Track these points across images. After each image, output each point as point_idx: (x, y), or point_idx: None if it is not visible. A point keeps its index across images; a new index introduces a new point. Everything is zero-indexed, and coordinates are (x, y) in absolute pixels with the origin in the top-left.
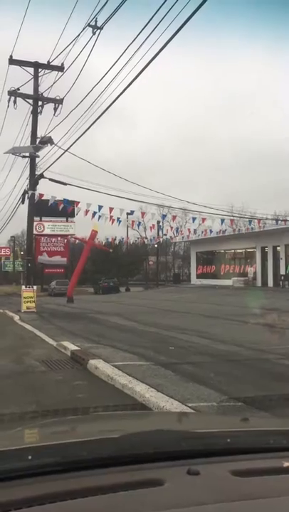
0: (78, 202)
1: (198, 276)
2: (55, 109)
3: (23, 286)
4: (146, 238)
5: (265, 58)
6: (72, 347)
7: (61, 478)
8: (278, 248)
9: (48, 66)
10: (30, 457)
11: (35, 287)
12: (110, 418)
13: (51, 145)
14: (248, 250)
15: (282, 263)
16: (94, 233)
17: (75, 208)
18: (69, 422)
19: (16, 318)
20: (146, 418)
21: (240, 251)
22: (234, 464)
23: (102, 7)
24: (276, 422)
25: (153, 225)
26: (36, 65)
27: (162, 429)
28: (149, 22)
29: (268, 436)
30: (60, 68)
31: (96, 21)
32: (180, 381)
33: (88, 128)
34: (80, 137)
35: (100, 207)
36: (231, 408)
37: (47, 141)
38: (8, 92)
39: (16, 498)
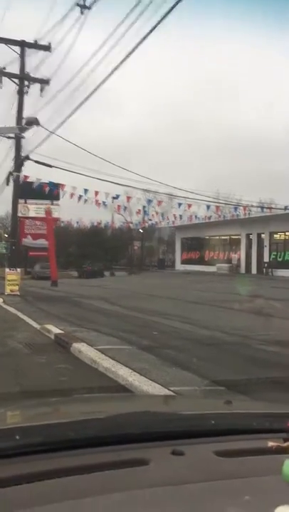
0: (64, 185)
1: (183, 262)
2: (42, 89)
3: (7, 269)
4: (131, 223)
5: (253, 42)
6: (55, 330)
7: (48, 458)
8: (263, 235)
9: (35, 45)
10: (17, 437)
11: (19, 270)
12: (94, 400)
13: (37, 126)
14: (233, 237)
15: (266, 250)
16: (48, 209)
17: (61, 191)
18: (53, 404)
19: (0, 300)
20: (130, 400)
21: (225, 238)
22: (218, 444)
23: None
24: (258, 405)
25: (139, 210)
26: (23, 44)
27: (148, 411)
28: (137, 4)
29: (251, 418)
30: (47, 48)
31: (84, 0)
32: (163, 365)
33: (75, 110)
34: (66, 119)
35: (86, 190)
36: (213, 392)
37: (33, 122)
38: None
39: (4, 476)
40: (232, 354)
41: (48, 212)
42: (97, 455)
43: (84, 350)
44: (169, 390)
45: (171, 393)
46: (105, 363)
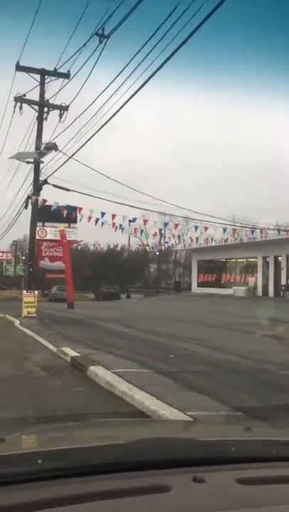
0: (81, 208)
1: (199, 285)
2: (61, 115)
3: (24, 291)
4: (147, 245)
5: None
6: (72, 353)
7: (69, 483)
8: (280, 258)
9: (55, 73)
10: (40, 461)
11: (36, 292)
12: (112, 425)
13: (56, 151)
14: (250, 260)
15: (283, 273)
16: (63, 232)
17: (78, 214)
18: (72, 428)
19: (17, 323)
20: (148, 425)
21: (242, 260)
22: (239, 472)
23: (110, 16)
24: (278, 432)
25: (155, 233)
26: (43, 72)
27: (168, 437)
28: (153, 36)
29: (271, 445)
30: (67, 75)
31: (103, 30)
32: (179, 389)
33: (92, 136)
34: (84, 144)
35: (103, 213)
36: (231, 417)
37: (51, 147)
38: (15, 98)
39: (26, 501)
40: (249, 378)
41: (63, 235)
42: (118, 481)
43: (100, 373)
44: (186, 414)
45: (189, 418)
46: (122, 387)
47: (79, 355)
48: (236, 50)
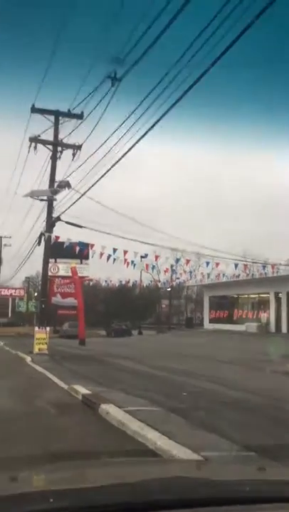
0: (93, 244)
1: (211, 321)
2: (74, 154)
3: (36, 328)
4: (159, 281)
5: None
6: (83, 391)
7: None
8: None
9: (68, 114)
10: (51, 500)
11: (47, 329)
12: (123, 464)
13: (68, 189)
14: (262, 295)
15: None
16: (74, 269)
17: (90, 251)
18: (83, 467)
19: (28, 359)
20: (160, 465)
21: (254, 296)
22: None
23: (122, 60)
24: None
25: (167, 269)
26: (57, 114)
27: (180, 476)
28: (162, 79)
29: (285, 486)
30: (80, 116)
31: (115, 74)
32: (192, 429)
33: (104, 174)
34: (96, 182)
35: (115, 250)
36: (244, 457)
37: (64, 185)
38: (30, 138)
39: None
40: (262, 417)
41: (74, 271)
42: None
43: (112, 411)
44: (198, 454)
45: (202, 458)
46: (133, 426)
47: (90, 392)
48: (248, 89)
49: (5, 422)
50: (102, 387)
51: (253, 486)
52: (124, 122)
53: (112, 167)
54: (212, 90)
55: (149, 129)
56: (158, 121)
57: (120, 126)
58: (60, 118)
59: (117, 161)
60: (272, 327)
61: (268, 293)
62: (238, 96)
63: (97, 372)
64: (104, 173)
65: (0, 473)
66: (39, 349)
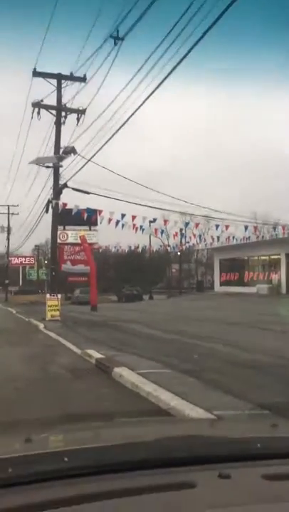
0: (101, 210)
1: (222, 284)
2: (78, 119)
3: (48, 295)
4: (169, 246)
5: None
6: (96, 355)
7: (96, 480)
8: None
9: (71, 77)
10: (66, 459)
11: (59, 296)
12: (138, 424)
13: (74, 155)
14: (273, 257)
15: None
16: (83, 237)
17: (98, 217)
18: (98, 428)
19: (41, 326)
20: (174, 424)
21: (265, 258)
22: (265, 468)
23: (124, 18)
24: None
25: (176, 233)
26: (59, 77)
27: (194, 435)
28: (166, 36)
29: None
30: (83, 79)
31: (118, 32)
32: (205, 389)
33: (110, 138)
34: (102, 147)
35: (123, 215)
36: (258, 416)
37: (70, 151)
38: (32, 103)
39: (53, 498)
40: (275, 377)
41: (83, 239)
42: (145, 478)
43: (125, 374)
44: (212, 414)
45: (215, 417)
46: (147, 388)
47: (103, 356)
48: (256, 40)
49: (21, 387)
50: (115, 351)
51: (265, 442)
52: (129, 83)
53: (118, 130)
54: (219, 40)
55: (156, 88)
56: (165, 78)
57: (125, 87)
58: (63, 82)
59: (124, 123)
60: (284, 288)
61: (279, 254)
62: (252, 45)
63: (110, 337)
64: (111, 137)
65: (15, 435)
66: (51, 316)
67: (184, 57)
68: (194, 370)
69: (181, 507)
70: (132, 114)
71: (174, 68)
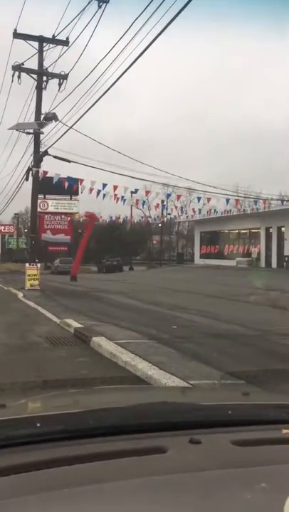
0: (82, 180)
1: (202, 256)
2: (60, 84)
3: (27, 264)
4: (150, 217)
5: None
6: (75, 324)
7: (68, 445)
8: (283, 229)
9: (53, 40)
10: (38, 424)
11: (38, 265)
12: (114, 391)
13: (56, 121)
14: (253, 231)
15: (286, 244)
16: (93, 216)
17: (79, 186)
18: (73, 395)
19: (20, 295)
20: (149, 391)
21: (245, 231)
22: (235, 434)
23: None
24: (275, 397)
25: (157, 204)
26: (41, 39)
27: (166, 401)
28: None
29: (268, 409)
30: (65, 42)
31: None
32: (182, 359)
33: (92, 105)
34: (84, 114)
35: (104, 185)
36: (232, 385)
37: (51, 117)
38: (13, 66)
39: (25, 461)
40: (251, 347)
41: (93, 218)
42: (117, 443)
43: (103, 344)
44: (188, 383)
45: (190, 386)
46: (125, 357)
47: (82, 326)
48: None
49: None
50: (94, 320)
51: (235, 409)
52: (113, 47)
53: (101, 96)
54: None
55: (141, 53)
56: (150, 44)
57: (109, 52)
58: (45, 44)
59: (107, 90)
60: (263, 262)
61: (259, 228)
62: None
63: (89, 307)
64: (94, 103)
65: None
66: (31, 285)
67: (171, 21)
68: (172, 340)
69: (152, 471)
70: (116, 80)
71: (161, 32)
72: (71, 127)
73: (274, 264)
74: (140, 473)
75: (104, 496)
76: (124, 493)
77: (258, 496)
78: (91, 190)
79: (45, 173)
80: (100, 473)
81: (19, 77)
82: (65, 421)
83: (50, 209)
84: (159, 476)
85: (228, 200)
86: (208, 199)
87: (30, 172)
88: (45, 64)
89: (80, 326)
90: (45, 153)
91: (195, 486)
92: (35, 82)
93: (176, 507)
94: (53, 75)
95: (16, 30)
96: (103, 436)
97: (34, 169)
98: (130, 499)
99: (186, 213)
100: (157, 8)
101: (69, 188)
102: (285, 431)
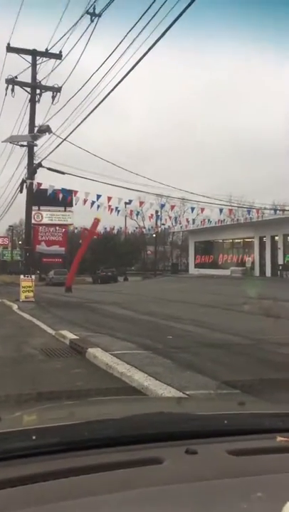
0: (77, 191)
1: (197, 266)
2: (53, 97)
3: (22, 276)
4: (144, 228)
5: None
6: (70, 336)
7: (63, 457)
8: (276, 238)
9: (46, 54)
10: (34, 437)
11: (33, 276)
12: (109, 402)
13: (49, 134)
14: (246, 240)
15: (280, 253)
16: (96, 222)
17: (74, 198)
18: (68, 407)
19: (15, 307)
20: (145, 402)
21: (239, 241)
22: (231, 444)
23: None
24: (271, 406)
25: (151, 215)
26: (34, 53)
27: (162, 412)
28: (143, 15)
29: (264, 418)
30: (58, 56)
31: (94, 9)
32: (177, 369)
33: (86, 117)
34: (78, 126)
35: (98, 196)
36: (228, 395)
37: (45, 129)
38: (6, 80)
39: (21, 474)
40: (246, 357)
41: (96, 224)
42: (112, 454)
43: (99, 355)
44: (184, 393)
45: (186, 396)
46: (120, 368)
47: (77, 337)
48: (234, 18)
49: None
50: (89, 332)
51: (231, 419)
52: (106, 60)
53: (94, 109)
54: (200, 21)
55: (134, 66)
56: (144, 55)
57: (102, 64)
58: (38, 58)
59: (101, 102)
60: (257, 271)
61: (253, 237)
62: (230, 24)
63: (84, 318)
64: (87, 116)
65: None
66: (25, 297)
67: (164, 33)
68: (167, 350)
69: (149, 482)
70: (109, 93)
71: (154, 45)
72: (65, 139)
73: (268, 273)
74: (137, 484)
75: (101, 508)
76: (121, 505)
77: (254, 506)
78: (85, 201)
79: (40, 184)
80: (96, 486)
81: (13, 90)
82: (61, 433)
83: (45, 220)
84: (155, 487)
85: (221, 210)
86: (202, 209)
87: (25, 184)
88: (39, 77)
89: (75, 337)
90: (39, 165)
91: (192, 496)
92: (29, 95)
93: None
94: (47, 88)
95: (9, 44)
96: (99, 448)
97: (28, 181)
98: (127, 511)
99: (180, 223)
100: (152, 19)
101: (63, 199)
102: (280, 439)
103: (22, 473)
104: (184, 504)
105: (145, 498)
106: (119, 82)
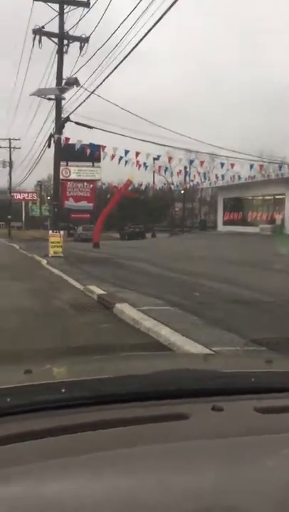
0: (105, 146)
1: (225, 223)
2: (81, 48)
3: (50, 231)
4: (172, 184)
5: None
6: (98, 291)
7: (91, 411)
8: None
9: (74, 2)
10: (63, 390)
11: (62, 232)
12: (137, 358)
13: (77, 86)
14: (277, 197)
15: None
16: (128, 183)
17: (102, 153)
18: (97, 361)
19: (44, 262)
20: (172, 358)
21: (269, 197)
22: (257, 401)
23: None
24: None
25: (180, 171)
26: (61, 1)
27: (189, 368)
28: None
29: None
30: (86, 4)
31: None
32: (204, 326)
33: (114, 68)
34: (106, 78)
35: (127, 151)
36: (254, 352)
37: (73, 82)
38: (33, 30)
39: (49, 427)
40: (274, 315)
41: (128, 184)
42: (139, 409)
43: (126, 310)
44: (210, 349)
45: (212, 353)
46: (147, 323)
47: (105, 293)
48: None
49: (24, 320)
50: (117, 287)
51: (259, 377)
52: (135, 8)
53: (123, 60)
54: None
55: (164, 13)
56: (172, 4)
57: (131, 13)
58: (66, 6)
59: (129, 53)
60: (287, 229)
61: (284, 194)
62: None
63: (111, 274)
64: (116, 67)
65: (15, 366)
66: (54, 252)
67: None
68: (195, 307)
69: (174, 437)
70: (138, 42)
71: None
72: (93, 92)
73: None
74: (161, 439)
75: (128, 460)
76: (145, 458)
77: (280, 463)
78: (113, 156)
79: (67, 139)
80: (121, 439)
81: (40, 41)
82: (89, 387)
83: (73, 176)
84: (180, 442)
85: (252, 166)
86: (232, 165)
87: (52, 139)
88: (66, 27)
89: (103, 292)
90: (67, 119)
91: (218, 452)
92: (56, 46)
93: (198, 473)
94: (74, 38)
95: None
96: (125, 402)
97: (56, 136)
98: (151, 465)
99: (209, 179)
100: None
101: (91, 154)
102: None
103: (51, 425)
104: (210, 460)
105: (170, 453)
106: (148, 31)
